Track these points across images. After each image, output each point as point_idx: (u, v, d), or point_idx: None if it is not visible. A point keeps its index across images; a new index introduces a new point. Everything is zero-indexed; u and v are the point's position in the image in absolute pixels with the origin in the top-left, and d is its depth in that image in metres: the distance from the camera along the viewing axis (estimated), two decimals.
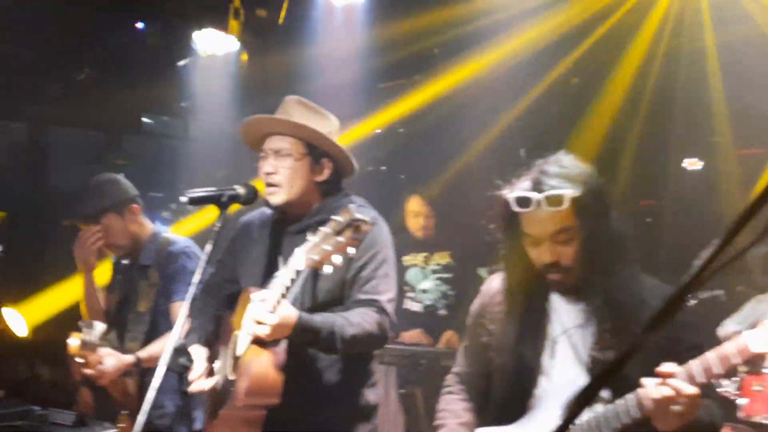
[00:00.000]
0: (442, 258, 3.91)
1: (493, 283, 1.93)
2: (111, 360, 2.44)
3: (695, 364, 1.53)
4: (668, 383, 1.51)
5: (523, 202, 1.68)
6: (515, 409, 1.77)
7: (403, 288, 3.90)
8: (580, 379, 1.70)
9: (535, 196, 1.67)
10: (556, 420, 1.67)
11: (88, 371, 2.43)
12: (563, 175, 1.69)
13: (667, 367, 1.54)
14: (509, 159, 4.31)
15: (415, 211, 3.91)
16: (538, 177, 1.70)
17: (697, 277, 0.79)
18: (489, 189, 1.83)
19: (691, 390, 1.50)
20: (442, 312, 3.90)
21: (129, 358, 2.50)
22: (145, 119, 5.85)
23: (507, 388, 1.80)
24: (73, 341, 2.43)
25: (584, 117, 4.30)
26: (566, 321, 1.77)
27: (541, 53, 4.37)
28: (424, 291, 3.89)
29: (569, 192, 1.65)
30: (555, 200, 1.66)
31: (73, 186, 5.62)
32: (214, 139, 5.32)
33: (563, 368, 1.74)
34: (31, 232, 5.48)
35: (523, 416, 1.76)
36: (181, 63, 4.96)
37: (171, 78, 5.05)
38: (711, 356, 1.53)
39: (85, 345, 2.40)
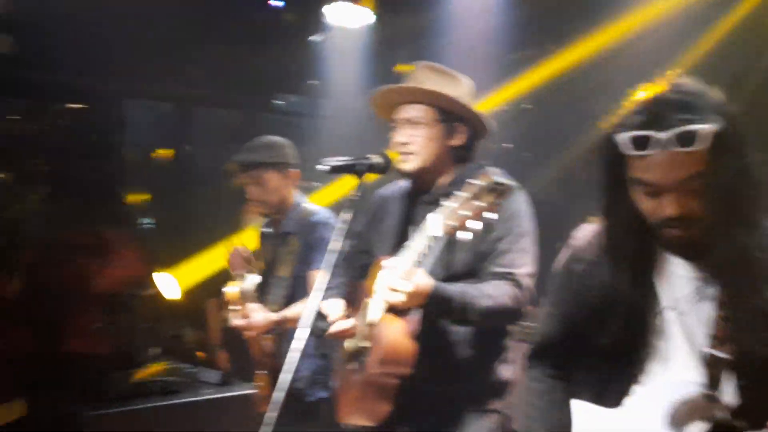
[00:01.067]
0: None
1: (582, 239, 1.60)
2: (260, 314, 2.57)
3: None
4: None
5: (641, 142, 1.32)
6: (611, 392, 1.50)
7: None
8: (692, 373, 1.41)
9: (657, 134, 1.30)
10: (661, 415, 1.42)
11: (238, 321, 2.56)
12: (689, 106, 1.32)
13: None
14: None
15: None
16: (658, 110, 1.33)
17: None
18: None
19: None
20: None
21: (275, 316, 2.62)
22: (277, 97, 6.07)
23: (604, 367, 1.52)
24: (232, 289, 2.56)
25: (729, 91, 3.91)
26: (678, 290, 1.45)
27: (683, 21, 4.03)
28: None
29: (705, 128, 1.28)
30: (687, 139, 1.28)
31: (211, 162, 5.98)
32: (343, 117, 5.42)
33: (673, 353, 1.45)
34: (177, 205, 5.93)
35: (620, 402, 1.48)
36: (314, 38, 5.05)
37: (303, 54, 5.18)
38: None
39: (242, 294, 2.54)
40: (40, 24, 4.71)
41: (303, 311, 1.96)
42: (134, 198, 5.75)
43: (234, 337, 3.04)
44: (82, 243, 4.24)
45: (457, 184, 2.05)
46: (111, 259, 4.23)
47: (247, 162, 2.87)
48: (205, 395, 3.70)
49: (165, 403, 3.60)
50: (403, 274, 1.86)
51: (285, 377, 1.84)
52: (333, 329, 2.15)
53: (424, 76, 2.15)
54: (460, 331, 2.09)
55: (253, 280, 2.52)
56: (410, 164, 2.13)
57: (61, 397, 3.50)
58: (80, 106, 5.59)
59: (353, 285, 2.34)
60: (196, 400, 3.67)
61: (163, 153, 6.13)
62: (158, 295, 4.28)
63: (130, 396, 3.56)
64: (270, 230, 3.05)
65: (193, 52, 5.25)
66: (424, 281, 1.88)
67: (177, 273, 4.37)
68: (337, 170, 2.06)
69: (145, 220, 5.89)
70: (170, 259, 4.61)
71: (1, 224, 4.20)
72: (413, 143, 2.11)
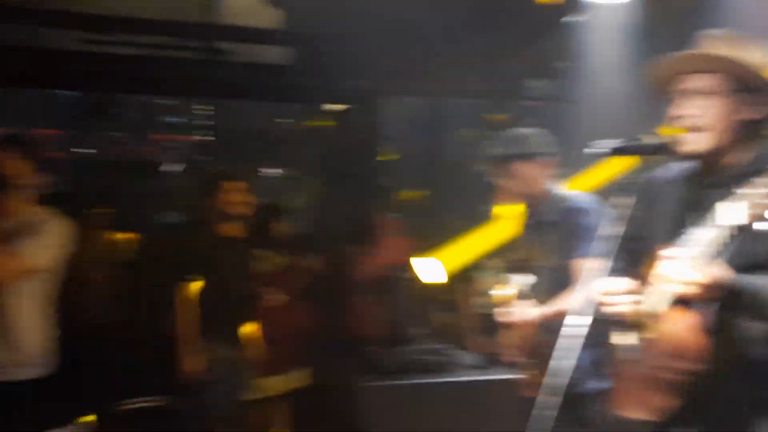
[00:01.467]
0: None
1: None
2: (534, 311, 2.60)
3: None
4: None
5: None
6: None
7: None
8: None
9: None
10: None
11: (513, 319, 2.62)
12: None
13: None
14: None
15: None
16: None
17: None
18: None
19: None
20: None
21: (548, 310, 2.62)
22: (527, 83, 6.01)
23: None
24: (510, 290, 2.65)
25: None
26: None
27: None
28: None
29: None
30: None
31: (460, 152, 6.18)
32: (600, 99, 5.16)
33: None
34: (429, 194, 6.28)
35: None
36: (568, 18, 4.89)
37: (555, 37, 5.04)
38: None
39: (520, 294, 2.61)
40: (309, 36, 5.29)
41: (575, 300, 1.93)
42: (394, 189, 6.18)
43: (492, 323, 3.10)
44: (357, 231, 4.69)
45: (754, 165, 1.84)
46: (380, 246, 4.61)
47: (497, 156, 2.92)
48: (464, 377, 3.89)
49: (427, 381, 3.88)
50: (695, 264, 1.72)
51: (556, 365, 1.82)
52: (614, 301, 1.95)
53: (712, 44, 1.95)
54: (755, 328, 1.87)
55: (526, 280, 2.55)
56: (697, 141, 1.93)
57: (340, 369, 3.94)
58: (344, 106, 6.15)
59: (629, 274, 2.23)
60: (456, 381, 3.88)
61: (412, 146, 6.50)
62: (418, 279, 4.56)
63: (396, 372, 3.88)
64: (529, 221, 3.05)
65: (444, 45, 5.40)
66: (721, 273, 1.73)
67: (440, 256, 4.61)
68: (620, 152, 1.96)
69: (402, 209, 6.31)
70: (426, 245, 4.87)
71: (288, 217, 4.81)
72: (701, 117, 1.91)
